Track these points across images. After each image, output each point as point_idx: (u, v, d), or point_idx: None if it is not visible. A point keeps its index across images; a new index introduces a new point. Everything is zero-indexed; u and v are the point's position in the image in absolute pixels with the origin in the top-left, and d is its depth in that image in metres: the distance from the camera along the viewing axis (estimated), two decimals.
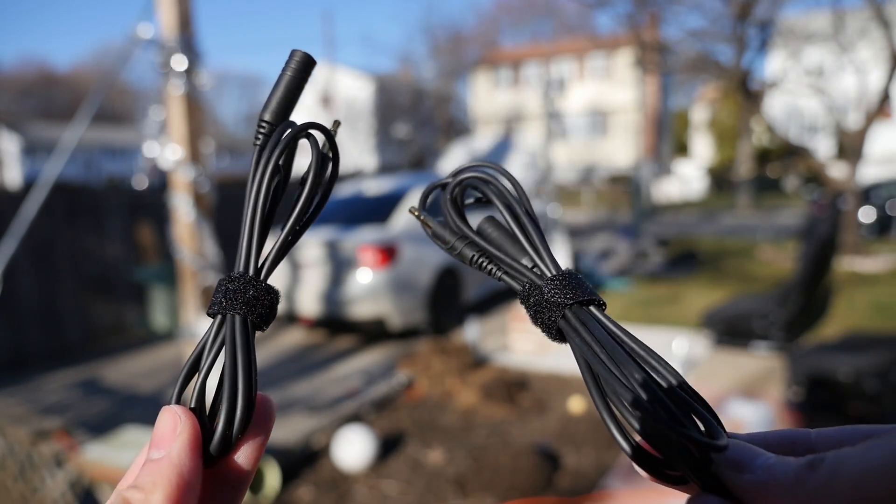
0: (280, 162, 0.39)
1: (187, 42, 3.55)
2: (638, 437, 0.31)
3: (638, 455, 0.31)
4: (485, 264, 0.41)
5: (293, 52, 0.41)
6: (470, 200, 0.44)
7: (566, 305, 0.36)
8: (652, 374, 0.33)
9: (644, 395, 0.31)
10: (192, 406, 0.36)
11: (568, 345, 0.37)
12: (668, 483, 0.32)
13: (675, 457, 0.30)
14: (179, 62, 3.53)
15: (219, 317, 0.38)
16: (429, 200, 0.44)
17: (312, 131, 0.40)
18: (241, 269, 0.39)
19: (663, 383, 0.33)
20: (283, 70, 0.41)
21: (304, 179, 0.40)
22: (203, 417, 0.36)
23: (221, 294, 0.38)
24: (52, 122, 36.14)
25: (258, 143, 0.40)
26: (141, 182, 4.31)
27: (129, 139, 37.43)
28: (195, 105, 3.70)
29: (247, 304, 0.38)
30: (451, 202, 0.42)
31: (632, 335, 0.36)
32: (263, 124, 0.40)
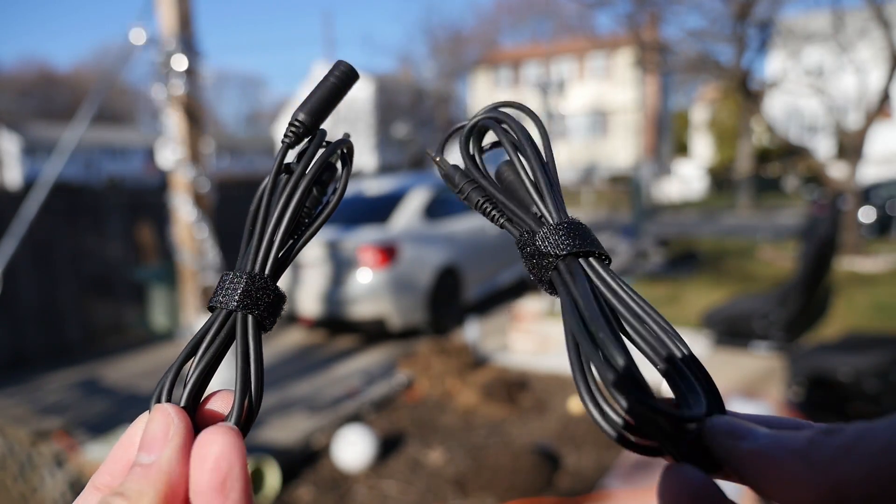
0: (318, 176, 0.41)
1: (187, 42, 3.56)
2: (609, 406, 0.29)
3: (607, 420, 0.29)
4: (488, 210, 0.39)
5: (339, 62, 0.42)
6: (486, 146, 0.41)
7: (559, 256, 0.33)
8: (634, 334, 0.31)
9: (613, 359, 0.29)
10: (184, 404, 0.35)
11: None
12: (642, 452, 0.29)
13: (645, 427, 0.28)
14: (179, 62, 3.54)
15: (223, 312, 0.37)
16: (447, 144, 0.43)
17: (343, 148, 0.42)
18: (258, 269, 0.38)
19: (645, 347, 0.30)
20: (327, 76, 0.42)
21: (325, 191, 0.41)
22: (194, 415, 0.35)
23: (236, 290, 0.37)
24: (52, 122, 36.14)
25: (287, 140, 0.41)
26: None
27: (129, 139, 37.43)
28: (195, 105, 3.70)
29: (264, 304, 0.38)
30: (465, 144, 0.40)
31: (630, 292, 0.32)
32: (297, 123, 0.41)
